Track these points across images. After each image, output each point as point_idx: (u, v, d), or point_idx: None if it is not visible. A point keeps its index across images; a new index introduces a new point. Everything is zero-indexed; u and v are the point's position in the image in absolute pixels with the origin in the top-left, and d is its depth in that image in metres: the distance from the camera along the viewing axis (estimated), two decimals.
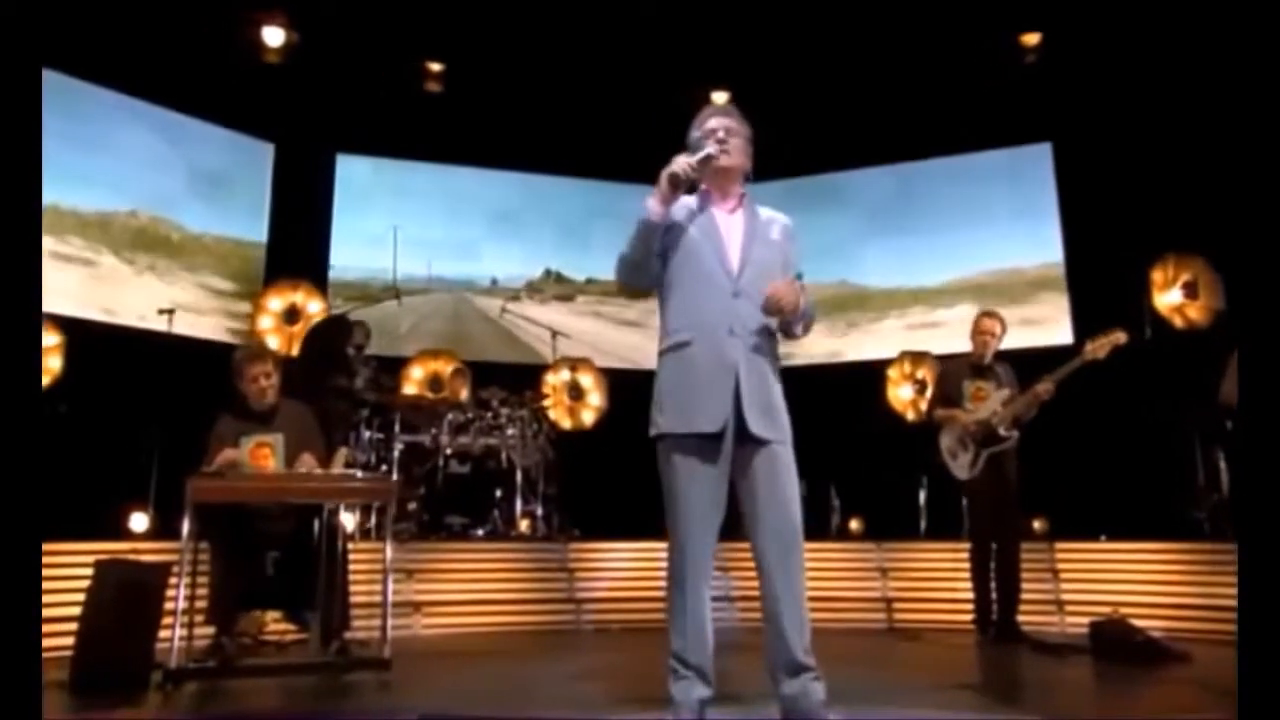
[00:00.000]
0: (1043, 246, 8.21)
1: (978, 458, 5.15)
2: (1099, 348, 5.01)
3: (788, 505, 2.84)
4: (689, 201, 2.93)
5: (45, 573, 4.63)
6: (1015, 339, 7.81)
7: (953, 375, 5.46)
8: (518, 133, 8.47)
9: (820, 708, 2.76)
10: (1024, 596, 5.26)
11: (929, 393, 6.29)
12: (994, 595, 5.17)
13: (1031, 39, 7.98)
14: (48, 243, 6.72)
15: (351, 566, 4.86)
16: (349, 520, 6.02)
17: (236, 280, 7.85)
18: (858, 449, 7.56)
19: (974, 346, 5.39)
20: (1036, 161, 8.32)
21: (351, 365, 5.82)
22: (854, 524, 7.21)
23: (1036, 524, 6.92)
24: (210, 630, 4.04)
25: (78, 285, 7.01)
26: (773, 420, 2.84)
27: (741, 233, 2.93)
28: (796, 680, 2.75)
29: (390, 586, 3.96)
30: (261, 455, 4.19)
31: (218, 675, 3.82)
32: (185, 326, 7.08)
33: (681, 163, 2.79)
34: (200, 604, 3.95)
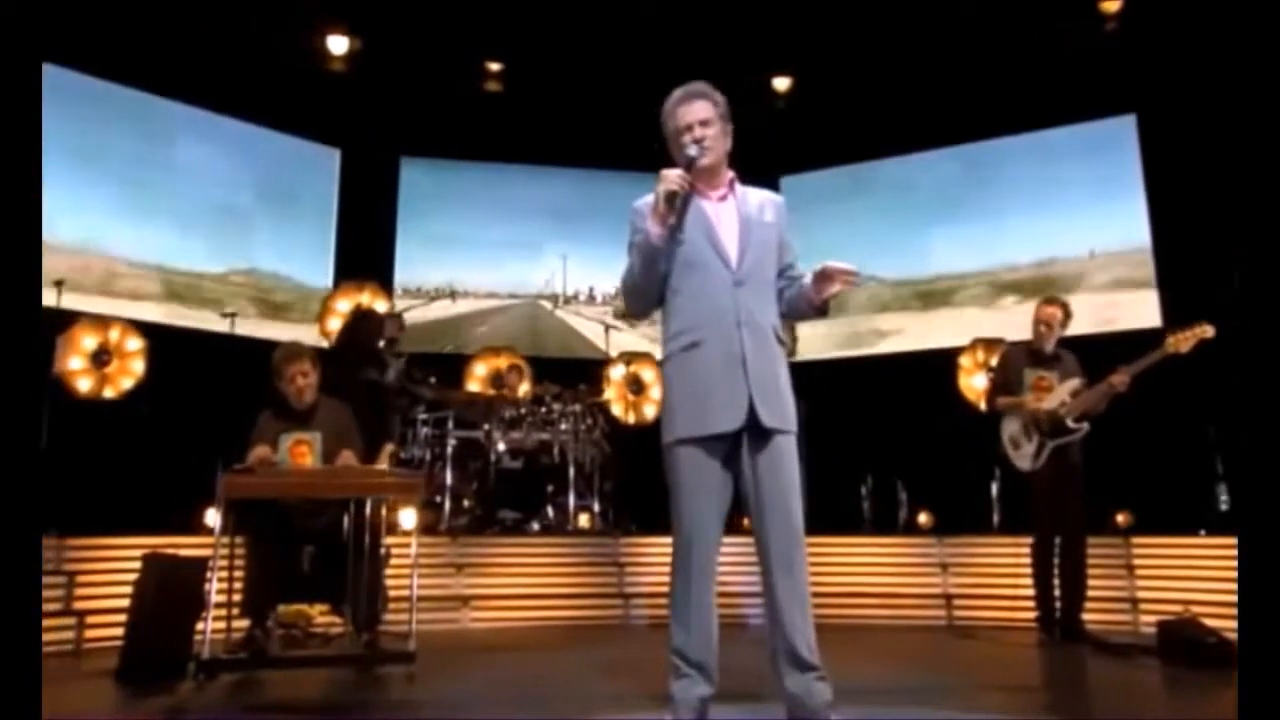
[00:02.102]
0: (1127, 227, 7.76)
1: (1042, 449, 4.91)
2: (1181, 341, 4.69)
3: (792, 498, 2.75)
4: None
5: (109, 565, 4.90)
6: (1098, 324, 7.50)
7: (1013, 363, 5.21)
8: (578, 129, 8.48)
9: (826, 708, 2.66)
10: (1096, 594, 5.02)
11: (989, 380, 6.01)
12: (1058, 592, 4.91)
13: (1112, 4, 7.54)
14: (121, 253, 7.08)
15: (406, 561, 4.98)
16: (410, 516, 6.13)
17: (303, 286, 8.12)
18: (928, 441, 7.33)
19: (1033, 334, 5.13)
20: (1119, 135, 7.87)
21: (383, 358, 5.88)
22: (923, 518, 6.99)
23: (1120, 518, 6.59)
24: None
25: (158, 292, 7.36)
26: (782, 410, 2.76)
27: (736, 220, 2.83)
28: (801, 679, 2.66)
29: (416, 581, 3.99)
30: (300, 453, 4.31)
31: (249, 666, 3.93)
32: (262, 330, 7.36)
33: (675, 180, 2.68)
34: (237, 597, 4.06)
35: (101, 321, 6.66)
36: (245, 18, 7.28)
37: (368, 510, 4.06)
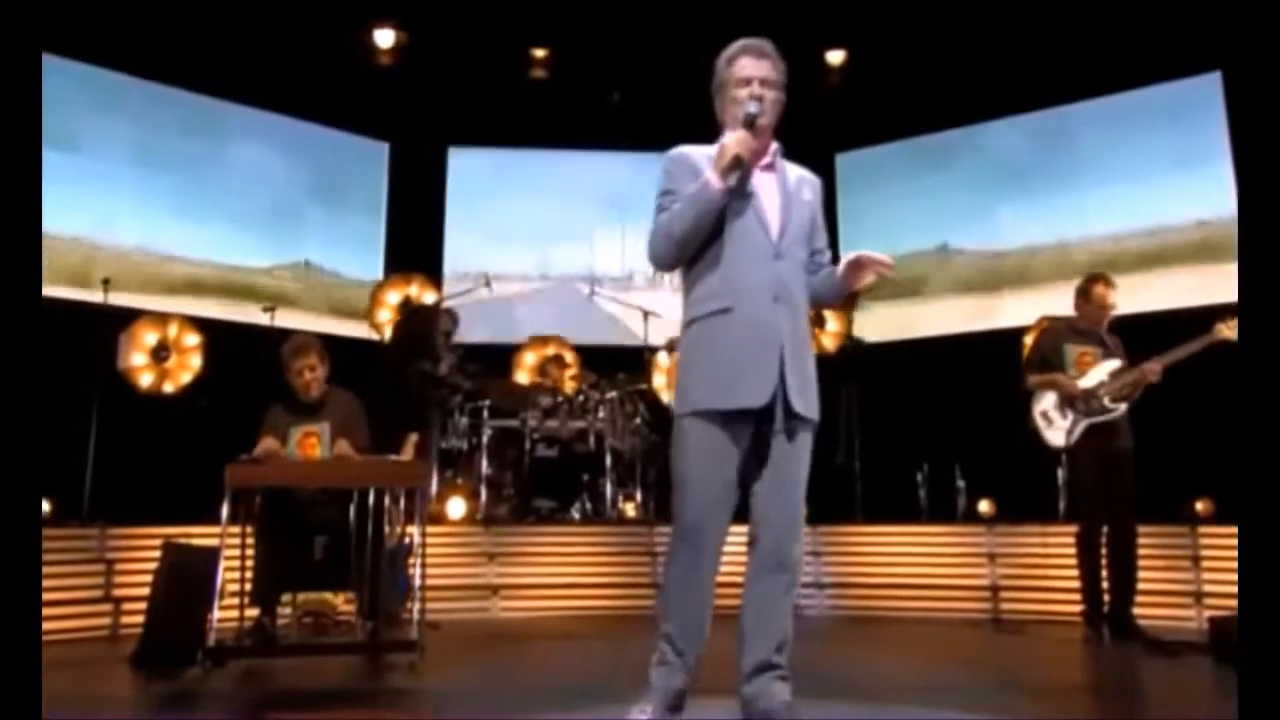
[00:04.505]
0: (1211, 198, 7.18)
1: (1076, 426, 4.63)
2: (1232, 328, 4.40)
3: (802, 490, 2.66)
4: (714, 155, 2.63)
5: (146, 554, 5.01)
6: (1179, 299, 6.97)
7: (1052, 338, 4.96)
8: (626, 112, 8.37)
9: (785, 708, 2.54)
10: (1156, 587, 4.75)
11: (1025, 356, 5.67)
12: (1106, 584, 4.60)
13: None
14: (176, 252, 7.33)
15: (439, 551, 5.05)
16: (459, 507, 6.16)
17: (354, 279, 8.27)
18: (990, 426, 6.97)
19: (1086, 316, 4.83)
20: (1203, 96, 7.29)
21: (437, 352, 5.94)
22: (984, 506, 6.66)
23: (1199, 505, 6.15)
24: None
25: (212, 290, 7.60)
26: (810, 396, 2.64)
27: (779, 193, 2.70)
28: (760, 678, 2.56)
29: (419, 571, 3.97)
30: (309, 445, 4.38)
31: (255, 654, 3.99)
32: (312, 324, 7.52)
33: (745, 142, 2.53)
34: (249, 586, 4.12)
35: (161, 318, 6.88)
36: (292, 15, 7.41)
37: (370, 500, 4.06)
